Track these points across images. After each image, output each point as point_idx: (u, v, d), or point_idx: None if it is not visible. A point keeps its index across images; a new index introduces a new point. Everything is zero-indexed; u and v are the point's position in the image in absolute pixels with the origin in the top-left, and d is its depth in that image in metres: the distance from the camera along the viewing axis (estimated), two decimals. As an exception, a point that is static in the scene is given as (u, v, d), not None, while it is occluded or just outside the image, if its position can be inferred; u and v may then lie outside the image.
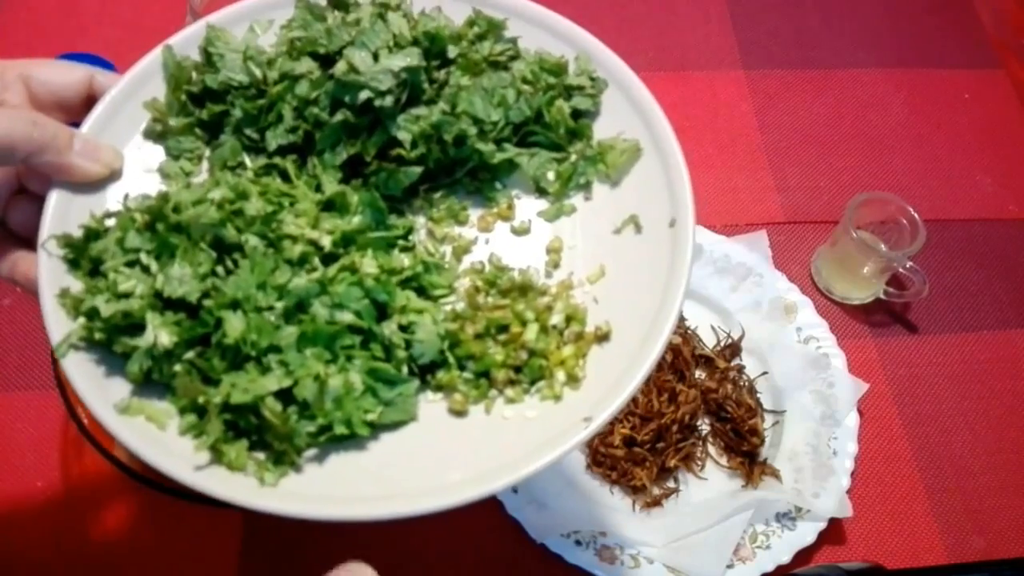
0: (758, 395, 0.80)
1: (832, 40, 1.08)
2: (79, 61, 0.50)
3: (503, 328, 0.47)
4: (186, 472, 0.41)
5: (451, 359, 0.46)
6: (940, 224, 0.94)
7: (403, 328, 0.45)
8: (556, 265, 0.50)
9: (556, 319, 0.47)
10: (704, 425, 0.79)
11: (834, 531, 0.75)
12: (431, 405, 0.45)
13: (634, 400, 0.76)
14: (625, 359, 0.44)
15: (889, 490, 0.79)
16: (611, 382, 0.43)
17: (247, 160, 0.50)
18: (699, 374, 0.80)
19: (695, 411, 0.77)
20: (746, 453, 0.77)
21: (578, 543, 0.71)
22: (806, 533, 0.73)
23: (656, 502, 0.75)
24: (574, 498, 0.74)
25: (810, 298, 0.85)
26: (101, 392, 0.43)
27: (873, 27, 1.10)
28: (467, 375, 0.46)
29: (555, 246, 0.50)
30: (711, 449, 0.78)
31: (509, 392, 0.45)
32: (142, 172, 0.49)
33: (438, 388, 0.46)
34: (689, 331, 0.82)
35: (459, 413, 0.45)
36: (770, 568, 0.71)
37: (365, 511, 0.40)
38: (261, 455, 0.42)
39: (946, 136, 1.02)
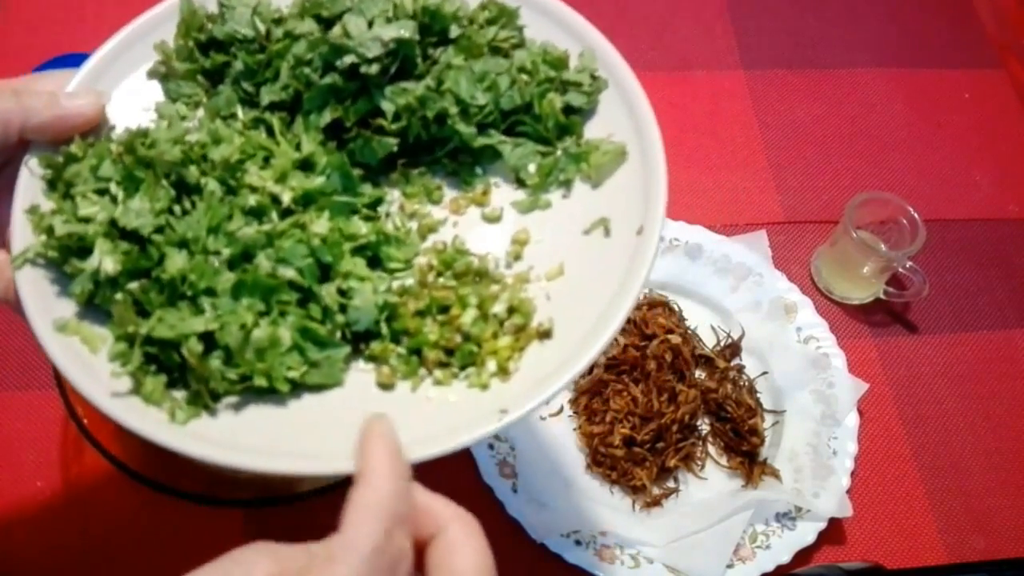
0: (758, 395, 0.80)
1: (832, 40, 1.08)
2: (79, 63, 0.50)
3: (445, 309, 0.46)
4: (103, 397, 0.41)
5: (385, 330, 0.45)
6: (940, 224, 0.94)
7: (342, 293, 0.45)
8: (518, 257, 0.49)
9: (499, 308, 0.46)
10: (704, 425, 0.79)
11: (834, 531, 0.75)
12: (361, 374, 0.45)
13: (634, 400, 0.76)
14: (558, 360, 0.44)
15: (889, 490, 0.79)
16: (538, 380, 0.43)
17: (240, 112, 0.50)
18: (699, 374, 0.80)
19: (695, 411, 0.77)
20: (746, 453, 0.77)
21: (578, 543, 0.71)
22: (806, 533, 0.73)
23: (656, 502, 0.75)
24: (574, 498, 0.74)
25: (810, 298, 0.85)
26: (46, 308, 0.44)
27: (873, 27, 1.10)
28: (400, 350, 0.45)
29: (521, 238, 0.49)
30: (711, 449, 0.78)
31: (438, 373, 0.45)
32: (139, 110, 0.50)
33: (371, 358, 0.45)
34: (689, 331, 0.82)
35: (385, 386, 0.45)
36: (770, 568, 0.71)
37: (262, 463, 0.40)
38: (180, 394, 0.43)
39: (946, 136, 1.02)
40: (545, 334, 0.46)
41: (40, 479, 0.72)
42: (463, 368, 0.45)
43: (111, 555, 0.70)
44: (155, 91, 0.51)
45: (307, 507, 0.72)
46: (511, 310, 0.46)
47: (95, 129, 0.48)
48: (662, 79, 1.02)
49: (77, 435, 0.65)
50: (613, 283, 0.45)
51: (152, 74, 0.51)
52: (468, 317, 0.46)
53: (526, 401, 0.42)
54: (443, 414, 0.44)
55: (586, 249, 0.48)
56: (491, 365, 0.45)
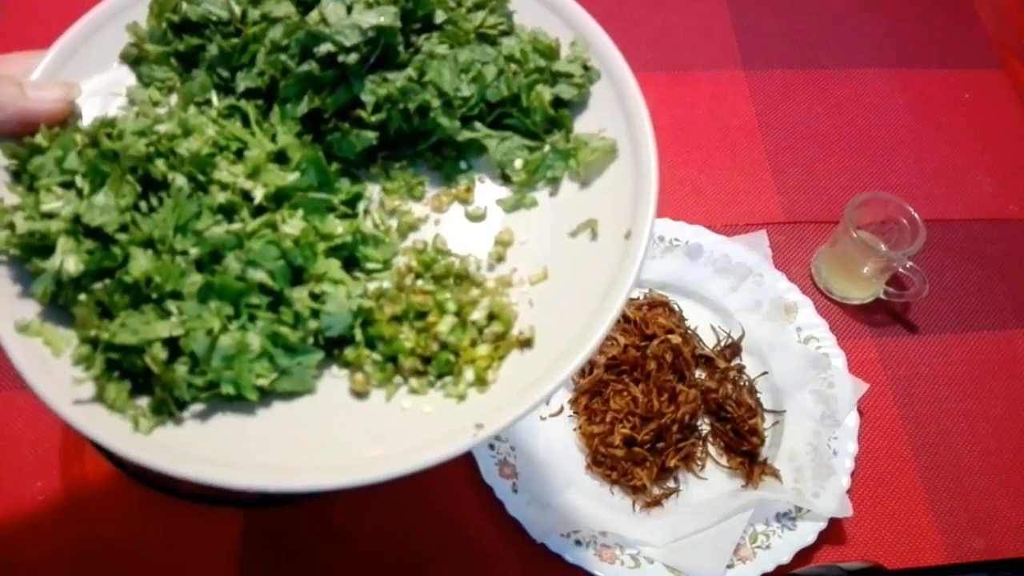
0: (758, 395, 0.80)
1: (832, 40, 1.08)
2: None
3: (422, 315, 0.45)
4: (64, 404, 0.40)
5: (359, 336, 0.43)
6: (940, 224, 0.94)
7: (315, 297, 0.43)
8: (500, 259, 0.47)
9: (478, 315, 0.44)
10: (704, 425, 0.79)
11: (834, 531, 0.75)
12: (334, 381, 0.43)
13: (634, 400, 0.76)
14: (539, 371, 0.42)
15: (889, 490, 0.79)
16: (517, 392, 0.41)
17: (215, 98, 0.48)
18: (699, 374, 0.80)
19: (695, 411, 0.77)
20: (746, 453, 0.77)
21: (578, 543, 0.71)
22: (806, 533, 0.73)
23: (656, 502, 0.75)
24: (574, 498, 0.74)
25: (810, 298, 0.85)
26: (8, 307, 0.42)
27: (873, 27, 1.10)
28: (375, 356, 0.43)
29: (505, 239, 0.47)
30: (711, 449, 0.78)
31: (414, 382, 0.43)
32: (110, 95, 0.48)
33: (345, 364, 0.44)
34: (689, 331, 0.82)
35: (359, 394, 0.43)
36: (770, 568, 0.71)
37: (228, 477, 0.39)
38: (144, 401, 0.41)
39: (946, 136, 1.02)
40: (526, 343, 0.44)
41: (40, 479, 0.72)
42: (440, 377, 0.44)
43: (111, 554, 0.70)
44: (126, 75, 0.49)
45: (307, 507, 0.72)
46: (491, 316, 0.44)
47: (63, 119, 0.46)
48: (662, 79, 1.02)
49: (77, 435, 0.65)
50: (598, 291, 0.43)
51: (124, 57, 0.49)
52: (445, 325, 0.44)
53: (503, 415, 0.40)
54: (417, 426, 0.42)
55: (572, 253, 0.46)
56: (469, 375, 0.43)
